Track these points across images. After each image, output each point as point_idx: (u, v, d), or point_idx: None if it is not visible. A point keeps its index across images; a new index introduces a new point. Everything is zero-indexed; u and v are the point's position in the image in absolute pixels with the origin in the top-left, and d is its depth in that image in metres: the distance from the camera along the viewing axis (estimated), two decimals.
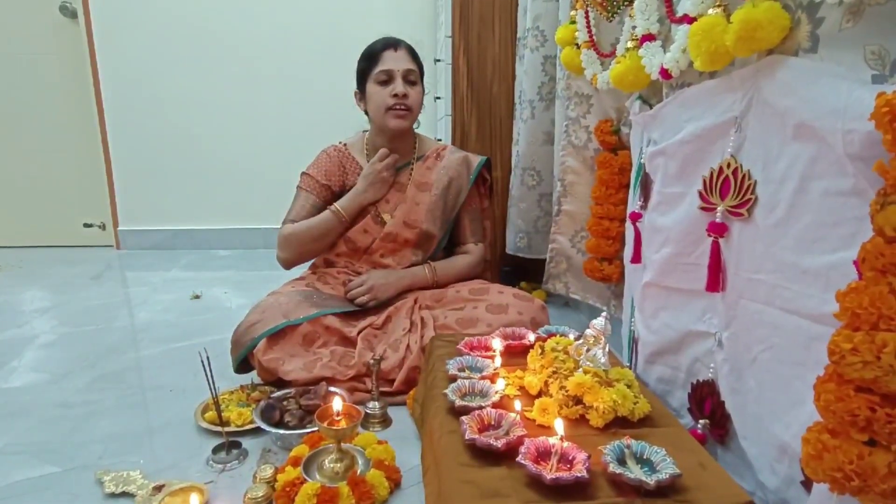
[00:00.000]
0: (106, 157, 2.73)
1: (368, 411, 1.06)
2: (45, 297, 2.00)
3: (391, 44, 1.37)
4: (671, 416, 0.81)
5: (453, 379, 0.90)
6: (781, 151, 0.68)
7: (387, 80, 1.35)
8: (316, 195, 1.43)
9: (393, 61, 1.35)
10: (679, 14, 0.86)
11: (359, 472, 0.84)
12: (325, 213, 1.39)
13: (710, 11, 0.76)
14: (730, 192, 0.77)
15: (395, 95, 1.34)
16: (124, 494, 0.85)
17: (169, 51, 2.66)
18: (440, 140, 1.66)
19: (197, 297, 1.98)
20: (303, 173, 1.46)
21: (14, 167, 2.80)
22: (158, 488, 0.85)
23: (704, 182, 0.82)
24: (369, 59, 1.37)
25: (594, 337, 0.82)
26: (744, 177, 0.74)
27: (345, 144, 1.48)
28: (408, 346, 1.20)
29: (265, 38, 2.68)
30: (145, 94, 2.69)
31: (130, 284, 2.25)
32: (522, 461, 0.64)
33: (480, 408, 0.78)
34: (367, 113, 1.43)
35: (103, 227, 2.88)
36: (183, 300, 1.95)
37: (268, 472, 0.85)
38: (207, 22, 2.64)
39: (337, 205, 1.39)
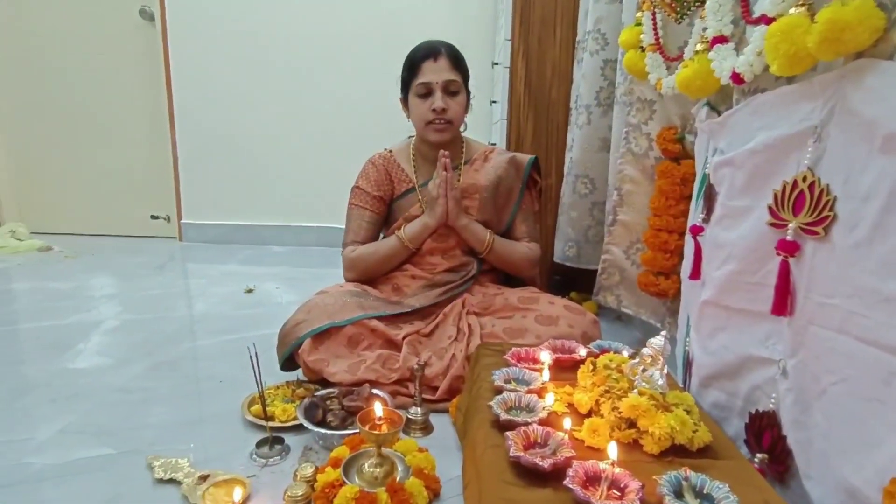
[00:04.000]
0: (174, 153, 2.88)
1: (410, 417, 1.05)
2: (112, 284, 2.12)
3: (431, 53, 1.33)
4: (734, 447, 0.75)
5: (499, 391, 0.87)
6: (867, 165, 0.61)
7: (426, 93, 1.34)
8: (370, 209, 1.43)
9: (432, 73, 1.32)
10: (756, 14, 0.81)
11: (398, 478, 0.83)
12: (393, 241, 1.39)
13: (792, 11, 0.70)
14: (804, 207, 0.71)
15: (434, 110, 1.33)
16: (172, 481, 0.87)
17: (235, 53, 2.77)
18: (494, 144, 1.64)
19: (250, 291, 2.04)
20: (353, 188, 1.46)
21: (92, 160, 3.00)
22: (204, 478, 0.86)
23: (776, 196, 0.75)
24: (410, 69, 1.36)
25: (652, 357, 0.78)
26: (821, 192, 0.68)
27: (390, 151, 1.48)
28: (453, 355, 1.18)
29: (325, 42, 2.74)
30: (212, 94, 2.81)
31: (190, 276, 2.35)
32: (570, 485, 0.60)
33: (527, 423, 0.75)
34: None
35: (168, 219, 3.03)
36: (237, 293, 2.02)
37: (308, 471, 0.85)
38: (270, 27, 2.74)
39: (405, 234, 1.38)
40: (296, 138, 2.86)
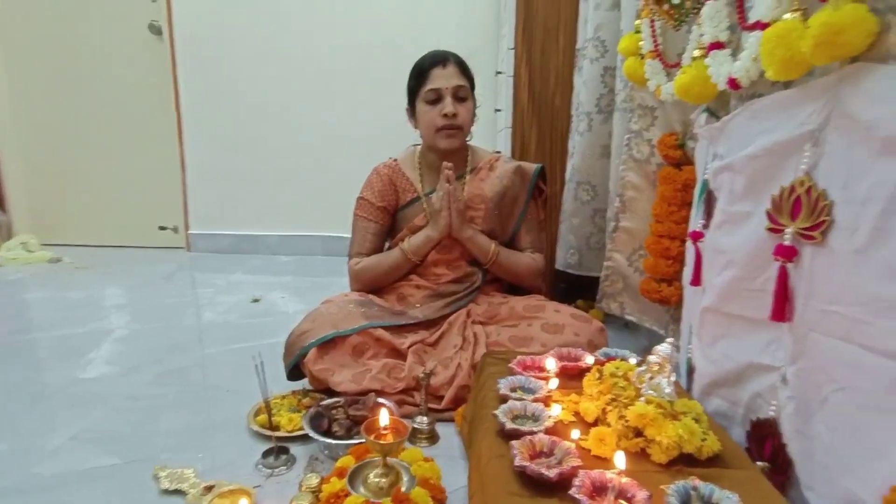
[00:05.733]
0: (182, 164, 2.91)
1: (416, 426, 1.05)
2: (122, 294, 2.14)
3: (439, 60, 1.35)
4: (745, 457, 0.74)
5: (504, 399, 0.87)
6: (866, 169, 0.61)
7: (436, 99, 1.35)
8: (374, 221, 1.44)
9: (442, 79, 1.34)
10: (751, 20, 0.81)
11: (403, 488, 0.83)
12: (396, 253, 1.40)
13: (786, 16, 0.70)
14: (801, 212, 0.70)
15: (445, 115, 1.33)
16: (177, 492, 0.87)
17: (241, 67, 2.80)
18: (499, 152, 1.64)
19: (257, 300, 2.05)
20: (358, 198, 1.46)
21: (101, 173, 3.03)
22: (209, 488, 0.87)
23: (774, 201, 0.75)
24: (418, 77, 1.37)
25: (659, 364, 0.77)
26: (818, 197, 0.67)
27: (395, 160, 1.49)
28: (458, 364, 1.18)
29: (330, 53, 2.76)
30: (218, 106, 2.84)
31: (198, 285, 2.36)
32: (576, 495, 0.60)
33: (532, 433, 0.75)
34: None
35: (176, 230, 3.05)
36: (244, 303, 2.02)
37: (313, 481, 0.85)
38: (278, 38, 2.76)
39: (408, 246, 1.39)
40: (301, 149, 2.87)
